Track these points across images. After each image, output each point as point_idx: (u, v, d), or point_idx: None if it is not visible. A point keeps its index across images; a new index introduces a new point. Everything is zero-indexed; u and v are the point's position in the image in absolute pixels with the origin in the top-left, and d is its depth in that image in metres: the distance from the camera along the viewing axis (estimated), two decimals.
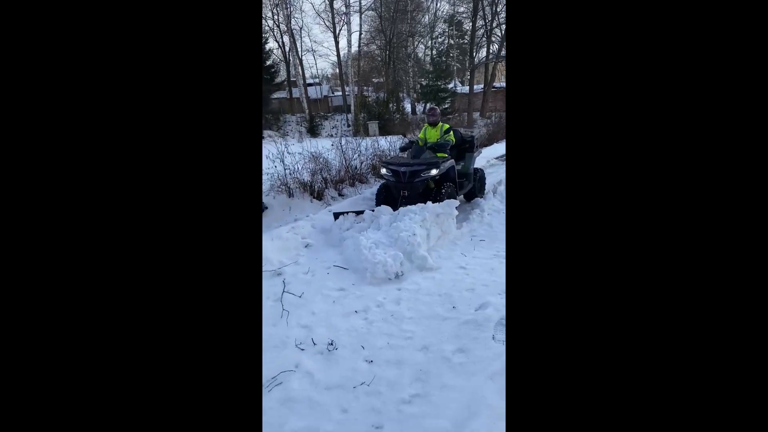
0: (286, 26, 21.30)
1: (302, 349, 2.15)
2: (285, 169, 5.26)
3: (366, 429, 1.60)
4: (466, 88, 21.12)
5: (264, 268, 3.10)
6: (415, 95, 22.87)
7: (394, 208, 4.06)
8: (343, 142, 6.04)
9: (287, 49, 23.15)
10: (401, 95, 23.50)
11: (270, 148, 5.43)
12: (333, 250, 3.67)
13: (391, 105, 20.47)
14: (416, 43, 24.65)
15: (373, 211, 4.00)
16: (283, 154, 5.30)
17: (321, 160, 5.54)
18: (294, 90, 23.94)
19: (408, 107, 22.39)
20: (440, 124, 4.86)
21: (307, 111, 21.31)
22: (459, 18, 23.98)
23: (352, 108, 20.42)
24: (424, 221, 3.66)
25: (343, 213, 4.16)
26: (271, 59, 22.45)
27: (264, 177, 5.05)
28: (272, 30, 23.26)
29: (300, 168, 5.35)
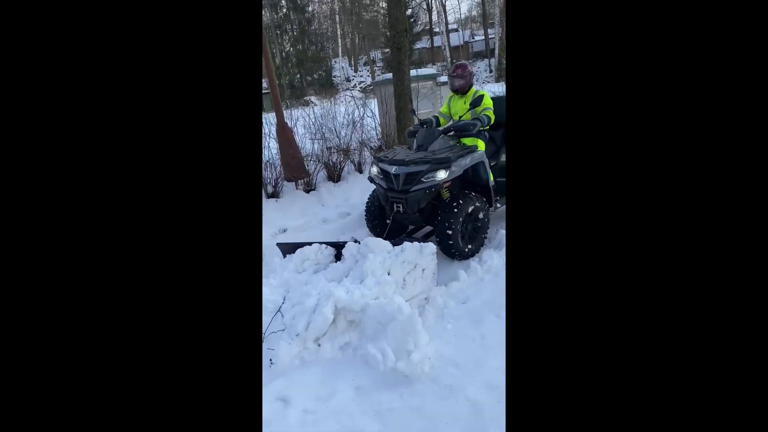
0: None
1: None
2: None
3: None
4: None
5: None
6: None
7: (382, 234, 2.54)
8: None
9: None
10: None
11: None
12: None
13: None
14: None
15: (358, 242, 2.27)
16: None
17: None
18: (434, 39, 24.13)
19: None
20: (472, 89, 2.94)
21: (448, 59, 21.50)
22: None
23: (496, 52, 19.74)
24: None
25: (302, 245, 2.41)
26: (410, 9, 22.82)
27: None
28: None
29: None
